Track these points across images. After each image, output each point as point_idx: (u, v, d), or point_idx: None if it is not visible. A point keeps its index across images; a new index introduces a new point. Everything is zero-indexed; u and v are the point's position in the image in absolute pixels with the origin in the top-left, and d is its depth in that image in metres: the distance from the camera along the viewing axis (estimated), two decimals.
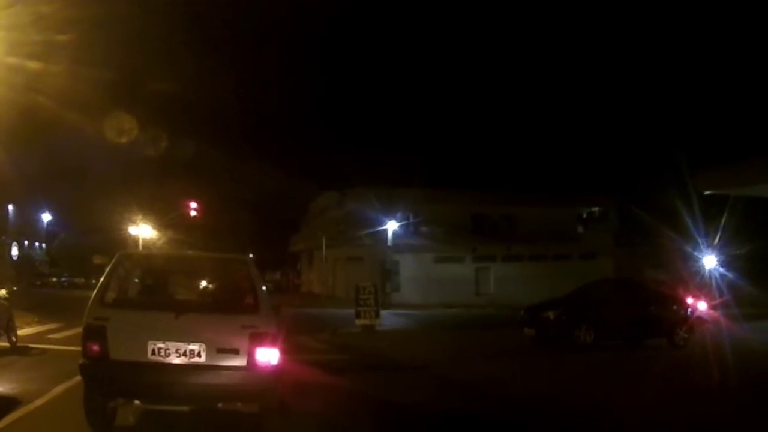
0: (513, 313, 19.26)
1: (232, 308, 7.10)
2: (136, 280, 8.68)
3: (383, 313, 22.00)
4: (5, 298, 13.69)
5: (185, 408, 6.72)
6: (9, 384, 9.25)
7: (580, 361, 14.17)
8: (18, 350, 12.93)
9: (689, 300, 19.53)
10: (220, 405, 6.63)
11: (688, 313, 17.92)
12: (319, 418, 7.90)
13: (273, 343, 6.44)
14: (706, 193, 17.08)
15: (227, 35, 65.68)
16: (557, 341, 16.07)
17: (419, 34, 72.89)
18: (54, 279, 53.00)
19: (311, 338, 17.69)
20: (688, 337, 16.99)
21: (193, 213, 42.26)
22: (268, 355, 6.38)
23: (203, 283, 10.31)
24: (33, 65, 14.89)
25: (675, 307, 17.54)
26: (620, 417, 8.38)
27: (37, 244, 60.94)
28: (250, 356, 6.30)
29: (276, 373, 6.54)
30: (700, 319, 20.71)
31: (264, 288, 7.17)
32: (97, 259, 46.75)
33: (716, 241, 32.61)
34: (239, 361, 6.31)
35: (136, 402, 6.64)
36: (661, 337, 16.92)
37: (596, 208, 49.46)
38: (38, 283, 47.05)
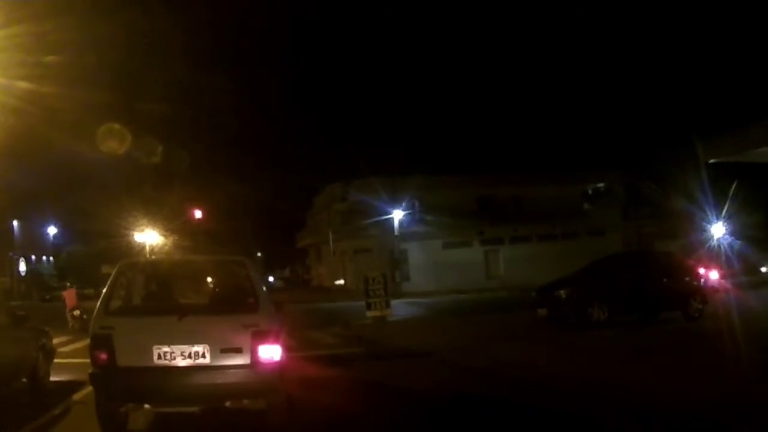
0: (524, 295, 19.13)
1: (233, 308, 7.18)
2: (140, 288, 8.64)
3: (394, 303, 21.87)
4: None
5: (194, 409, 6.89)
6: None
7: (595, 338, 14.03)
8: None
9: (701, 270, 19.32)
10: (227, 404, 6.79)
11: (701, 283, 17.72)
12: (330, 411, 7.91)
13: (275, 340, 6.60)
14: (711, 161, 16.91)
15: (225, 32, 65.61)
16: (570, 320, 15.95)
17: (420, 16, 72.55)
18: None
19: (323, 333, 17.67)
20: (702, 308, 16.74)
21: (197, 218, 42.38)
22: (271, 352, 6.53)
23: (205, 286, 10.35)
24: (24, 85, 14.87)
25: (687, 279, 17.30)
26: (639, 395, 8.19)
27: (44, 257, 61.05)
28: (254, 354, 6.43)
29: (280, 369, 6.65)
30: (713, 289, 20.54)
31: (264, 287, 7.31)
32: (105, 269, 46.82)
33: (725, 210, 32.43)
34: (243, 360, 6.45)
35: (146, 406, 6.82)
36: (676, 310, 16.67)
37: (602, 184, 49.19)
38: (47, 297, 47.02)
